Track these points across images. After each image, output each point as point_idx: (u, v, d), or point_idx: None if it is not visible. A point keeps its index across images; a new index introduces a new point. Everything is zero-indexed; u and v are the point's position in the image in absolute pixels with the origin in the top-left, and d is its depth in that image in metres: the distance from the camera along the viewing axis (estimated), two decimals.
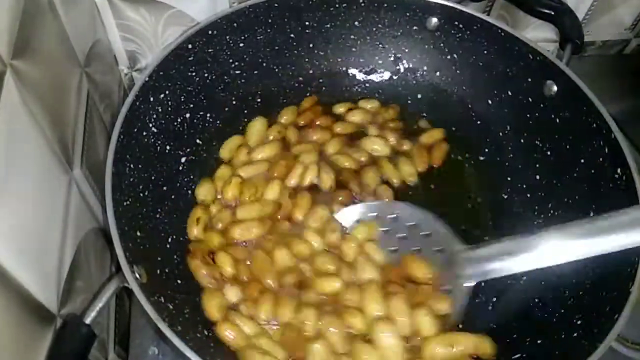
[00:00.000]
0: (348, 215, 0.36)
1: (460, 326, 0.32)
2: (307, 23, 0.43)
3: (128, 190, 0.31)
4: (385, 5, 0.42)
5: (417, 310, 0.30)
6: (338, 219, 0.36)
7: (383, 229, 0.35)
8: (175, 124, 0.37)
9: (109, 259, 0.36)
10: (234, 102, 0.42)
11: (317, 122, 0.42)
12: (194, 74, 0.38)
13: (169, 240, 0.34)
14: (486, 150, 0.42)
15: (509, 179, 0.41)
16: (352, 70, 0.46)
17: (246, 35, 0.41)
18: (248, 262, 0.33)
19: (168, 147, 0.36)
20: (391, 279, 0.31)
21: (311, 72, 0.45)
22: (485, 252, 0.31)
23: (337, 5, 0.42)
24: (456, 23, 0.42)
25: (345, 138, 0.41)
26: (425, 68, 0.45)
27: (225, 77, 0.41)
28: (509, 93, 0.41)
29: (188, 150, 0.38)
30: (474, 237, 0.36)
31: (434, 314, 0.30)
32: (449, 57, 0.44)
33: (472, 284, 0.31)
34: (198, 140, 0.39)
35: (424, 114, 0.44)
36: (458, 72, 0.44)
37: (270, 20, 0.41)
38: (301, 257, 0.33)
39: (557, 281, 0.34)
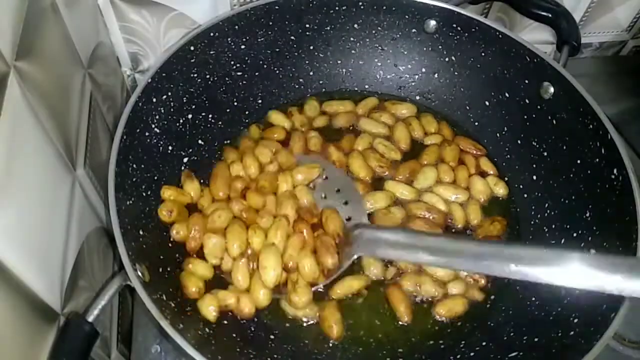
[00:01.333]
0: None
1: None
2: (307, 25, 0.43)
3: (131, 190, 0.32)
4: (384, 8, 0.43)
5: (306, 252, 0.33)
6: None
7: (310, 185, 0.38)
8: (178, 124, 0.38)
9: (112, 258, 0.37)
10: (235, 104, 0.42)
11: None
12: (195, 75, 0.39)
13: (171, 239, 0.34)
14: None
15: (505, 179, 0.41)
16: (352, 72, 0.46)
17: (247, 38, 0.41)
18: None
19: (170, 148, 0.37)
20: (305, 220, 0.35)
21: (311, 73, 0.46)
22: (383, 235, 0.33)
23: (336, 8, 0.43)
24: (454, 25, 0.42)
25: None
26: (423, 70, 0.45)
27: (227, 79, 0.41)
28: (506, 94, 0.42)
29: (190, 150, 0.39)
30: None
31: (318, 262, 0.33)
32: (447, 59, 0.44)
33: (358, 255, 0.33)
34: (200, 141, 0.40)
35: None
36: (456, 73, 0.44)
37: (271, 23, 0.42)
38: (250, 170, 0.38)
39: None
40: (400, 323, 0.34)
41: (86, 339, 0.26)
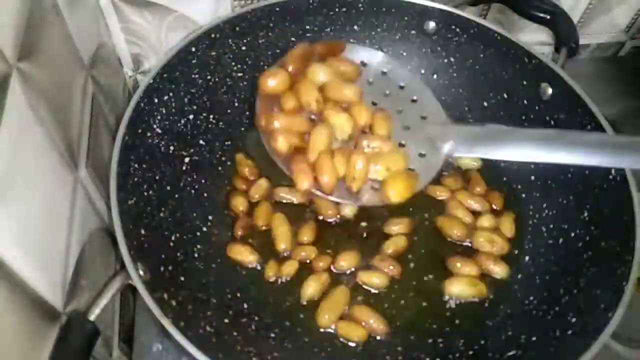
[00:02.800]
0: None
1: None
2: (307, 27, 0.43)
3: (132, 190, 0.32)
4: (384, 9, 0.43)
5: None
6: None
7: (369, 80, 0.33)
8: (179, 125, 0.38)
9: (114, 257, 0.37)
10: (236, 104, 0.43)
11: None
12: (197, 76, 0.39)
13: (173, 238, 0.34)
14: None
15: (504, 179, 0.41)
16: None
17: (248, 39, 0.41)
18: None
19: (172, 148, 0.37)
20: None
21: None
22: (472, 131, 0.30)
23: (336, 9, 0.43)
24: (453, 27, 0.42)
25: None
26: (422, 71, 0.46)
27: (228, 80, 0.42)
28: (505, 95, 0.42)
29: (192, 151, 0.39)
30: None
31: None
32: (446, 60, 0.44)
33: (445, 156, 0.30)
34: (201, 141, 0.40)
35: None
36: (455, 75, 0.44)
37: (271, 24, 0.42)
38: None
39: (553, 279, 0.34)
40: (399, 323, 0.34)
41: (88, 337, 0.26)
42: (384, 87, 0.33)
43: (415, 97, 0.33)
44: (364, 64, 0.34)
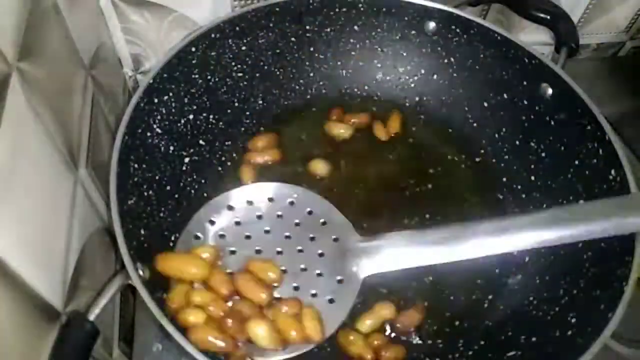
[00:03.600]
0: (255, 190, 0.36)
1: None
2: (307, 27, 0.43)
3: (132, 190, 0.32)
4: (384, 10, 0.43)
5: None
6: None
7: (278, 213, 0.34)
8: (179, 125, 0.38)
9: (114, 257, 0.37)
10: (236, 104, 0.43)
11: None
12: (196, 76, 0.39)
13: (172, 238, 0.34)
14: (482, 151, 0.43)
15: (504, 180, 0.41)
16: (352, 73, 0.47)
17: (248, 39, 0.41)
18: None
19: (172, 148, 0.37)
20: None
21: (311, 75, 0.46)
22: (382, 242, 0.31)
23: (337, 10, 0.43)
24: (453, 27, 0.42)
25: None
26: (422, 71, 0.46)
27: (228, 80, 0.42)
28: (505, 96, 0.42)
29: (192, 151, 0.39)
30: None
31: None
32: (446, 60, 0.44)
33: (364, 275, 0.31)
34: (201, 141, 0.40)
35: (422, 116, 0.45)
36: (455, 75, 0.44)
37: (271, 24, 0.42)
38: None
39: (553, 279, 0.34)
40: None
41: (87, 337, 0.26)
42: (293, 217, 0.34)
43: (323, 220, 0.34)
44: (270, 200, 0.35)
